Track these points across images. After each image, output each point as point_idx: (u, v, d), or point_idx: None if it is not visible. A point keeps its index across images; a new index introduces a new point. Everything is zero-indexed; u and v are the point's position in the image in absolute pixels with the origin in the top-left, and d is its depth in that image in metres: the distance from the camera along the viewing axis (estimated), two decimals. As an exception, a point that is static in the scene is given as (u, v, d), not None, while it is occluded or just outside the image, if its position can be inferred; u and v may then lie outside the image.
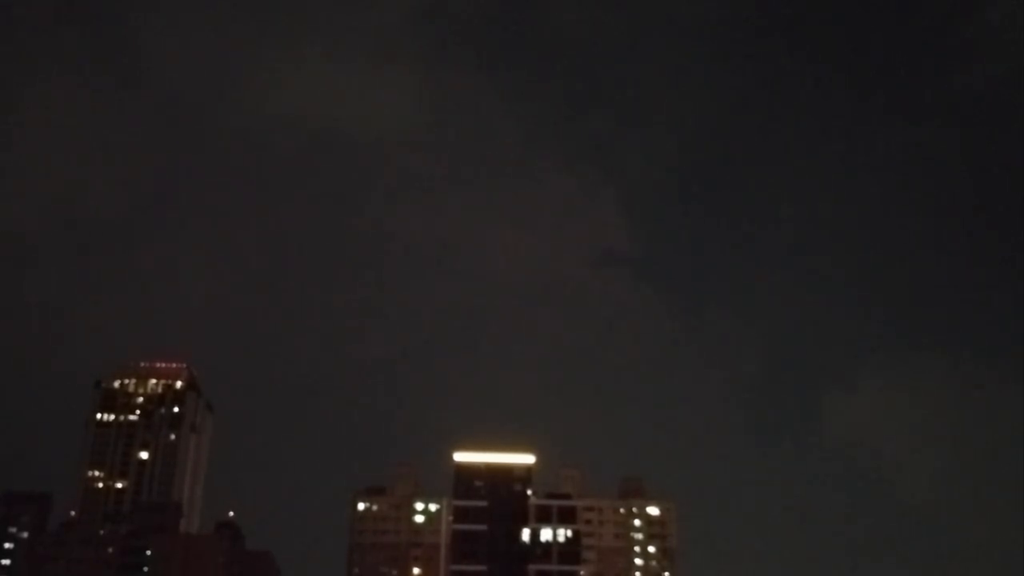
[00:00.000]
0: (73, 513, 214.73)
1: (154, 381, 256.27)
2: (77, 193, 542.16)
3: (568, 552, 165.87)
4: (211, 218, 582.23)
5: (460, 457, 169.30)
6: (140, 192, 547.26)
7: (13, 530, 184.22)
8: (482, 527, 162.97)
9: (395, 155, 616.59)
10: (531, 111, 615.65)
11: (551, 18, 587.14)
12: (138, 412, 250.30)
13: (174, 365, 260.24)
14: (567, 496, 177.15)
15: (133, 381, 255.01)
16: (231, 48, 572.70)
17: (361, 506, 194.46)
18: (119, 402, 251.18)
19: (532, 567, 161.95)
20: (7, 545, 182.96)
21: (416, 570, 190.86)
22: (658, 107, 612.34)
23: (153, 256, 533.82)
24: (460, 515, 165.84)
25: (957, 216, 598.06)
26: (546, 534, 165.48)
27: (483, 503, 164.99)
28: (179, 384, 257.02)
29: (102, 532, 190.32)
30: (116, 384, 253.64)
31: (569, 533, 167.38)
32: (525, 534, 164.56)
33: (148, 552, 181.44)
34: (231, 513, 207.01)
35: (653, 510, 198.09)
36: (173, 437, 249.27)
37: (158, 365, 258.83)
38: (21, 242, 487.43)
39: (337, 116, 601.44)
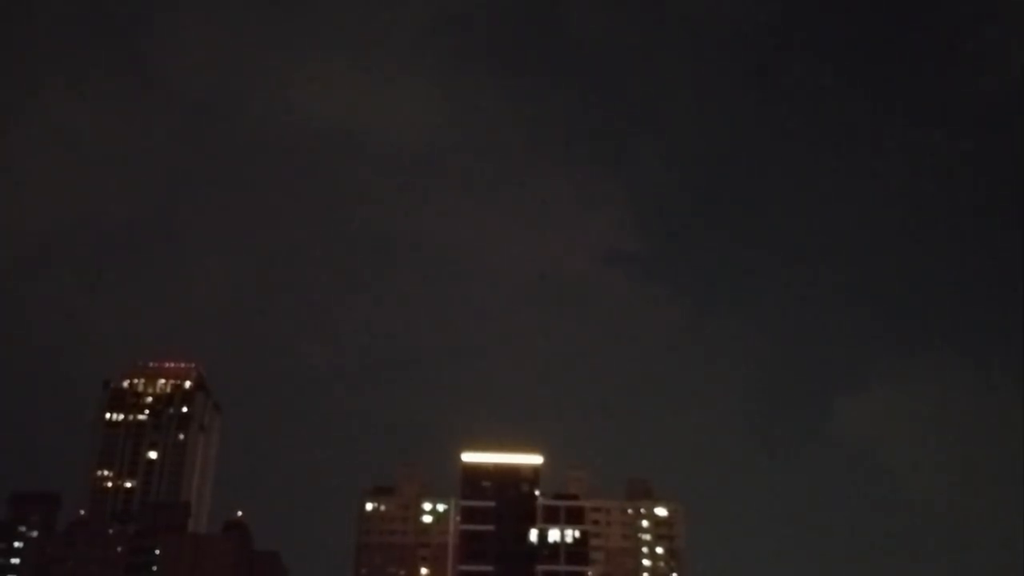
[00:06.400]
0: (82, 512, 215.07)
1: (163, 381, 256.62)
2: (91, 196, 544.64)
3: (576, 553, 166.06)
4: (222, 220, 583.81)
5: (468, 457, 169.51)
6: (154, 194, 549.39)
7: (23, 529, 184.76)
8: (490, 527, 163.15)
9: (399, 155, 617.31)
10: (538, 109, 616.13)
11: (564, 21, 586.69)
12: (147, 412, 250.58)
13: (183, 365, 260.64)
14: (574, 497, 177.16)
15: (142, 381, 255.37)
16: (245, 53, 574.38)
17: (369, 506, 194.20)
18: (128, 402, 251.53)
19: (540, 567, 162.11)
20: (16, 544, 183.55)
21: (424, 570, 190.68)
22: (669, 106, 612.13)
23: (164, 258, 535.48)
24: (468, 515, 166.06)
25: (969, 219, 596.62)
26: (554, 535, 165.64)
27: (491, 503, 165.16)
28: (188, 384, 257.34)
29: (110, 531, 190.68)
30: (125, 384, 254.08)
31: (577, 534, 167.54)
32: (533, 535, 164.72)
33: (156, 552, 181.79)
34: (239, 513, 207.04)
35: (661, 511, 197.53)
36: (182, 437, 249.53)
37: (167, 365, 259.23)
38: (33, 243, 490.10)
39: (347, 119, 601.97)
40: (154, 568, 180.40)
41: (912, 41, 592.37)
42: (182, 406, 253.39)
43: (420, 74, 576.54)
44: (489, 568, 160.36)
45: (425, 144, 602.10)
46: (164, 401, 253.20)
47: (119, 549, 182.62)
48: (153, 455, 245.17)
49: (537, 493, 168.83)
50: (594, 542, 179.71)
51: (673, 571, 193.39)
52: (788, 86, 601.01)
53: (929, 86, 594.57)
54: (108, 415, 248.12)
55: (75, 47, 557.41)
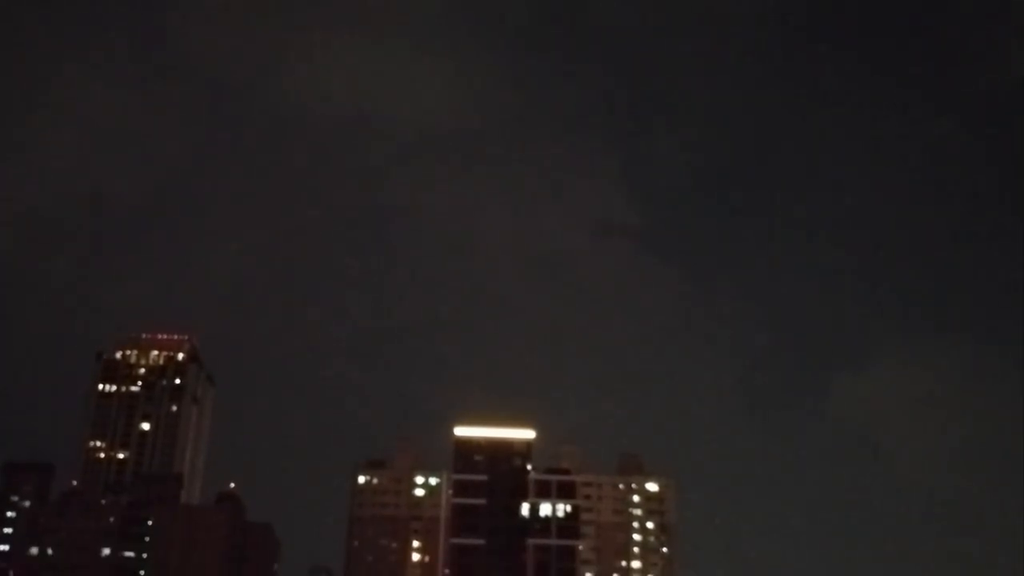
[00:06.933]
0: (75, 483, 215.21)
1: (156, 352, 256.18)
2: (101, 174, 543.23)
3: (567, 527, 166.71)
4: (229, 198, 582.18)
5: (460, 432, 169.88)
6: (165, 173, 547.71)
7: (15, 499, 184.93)
8: (482, 501, 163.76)
9: (393, 130, 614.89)
10: (533, 81, 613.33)
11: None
12: (140, 383, 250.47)
13: (176, 337, 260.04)
14: (566, 471, 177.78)
15: (135, 352, 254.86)
16: (260, 33, 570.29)
17: (361, 479, 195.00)
18: (120, 373, 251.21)
19: (531, 541, 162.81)
20: (9, 514, 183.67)
21: (416, 543, 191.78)
22: (677, 84, 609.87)
23: (168, 233, 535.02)
24: (460, 489, 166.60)
25: (971, 202, 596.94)
26: (545, 509, 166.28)
27: (483, 477, 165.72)
28: (181, 356, 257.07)
29: (103, 502, 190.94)
30: (118, 355, 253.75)
31: (568, 508, 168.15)
32: (524, 508, 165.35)
33: (149, 523, 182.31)
34: (232, 485, 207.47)
35: (652, 486, 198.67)
36: (175, 408, 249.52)
37: (160, 337, 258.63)
38: (39, 220, 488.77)
39: (360, 99, 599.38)
40: (147, 539, 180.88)
41: (933, 28, 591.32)
42: (175, 378, 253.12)
43: (437, 56, 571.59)
44: (481, 541, 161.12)
45: (435, 125, 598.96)
46: (157, 373, 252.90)
47: (112, 519, 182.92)
48: (146, 426, 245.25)
49: (529, 467, 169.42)
50: (585, 516, 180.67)
51: (664, 546, 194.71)
52: (796, 73, 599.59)
53: (947, 73, 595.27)
54: (101, 386, 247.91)
55: (93, 25, 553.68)
